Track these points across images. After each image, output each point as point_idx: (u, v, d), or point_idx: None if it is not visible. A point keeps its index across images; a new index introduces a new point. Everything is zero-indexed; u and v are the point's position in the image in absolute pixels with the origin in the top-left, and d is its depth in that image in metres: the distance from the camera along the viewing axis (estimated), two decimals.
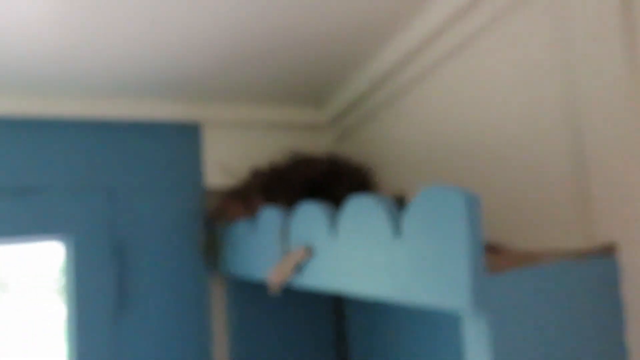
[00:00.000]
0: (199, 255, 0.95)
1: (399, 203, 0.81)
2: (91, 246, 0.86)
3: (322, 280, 0.54)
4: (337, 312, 1.03)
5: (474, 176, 0.66)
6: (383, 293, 0.44)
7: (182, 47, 0.72)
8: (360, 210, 0.48)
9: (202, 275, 0.95)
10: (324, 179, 0.82)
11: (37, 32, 0.65)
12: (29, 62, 0.73)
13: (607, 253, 0.46)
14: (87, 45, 0.69)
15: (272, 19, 0.66)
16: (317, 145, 1.07)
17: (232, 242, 0.83)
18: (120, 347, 0.86)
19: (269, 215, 0.67)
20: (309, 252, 0.57)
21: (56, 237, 0.86)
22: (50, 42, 0.67)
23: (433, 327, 0.74)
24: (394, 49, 0.76)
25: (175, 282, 0.93)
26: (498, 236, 0.61)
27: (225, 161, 0.98)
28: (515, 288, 0.39)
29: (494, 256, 0.40)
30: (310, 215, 0.57)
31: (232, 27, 0.67)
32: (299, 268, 0.59)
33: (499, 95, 0.60)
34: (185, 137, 0.96)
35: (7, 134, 0.84)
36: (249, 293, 0.97)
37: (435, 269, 0.39)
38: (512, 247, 0.59)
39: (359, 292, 0.48)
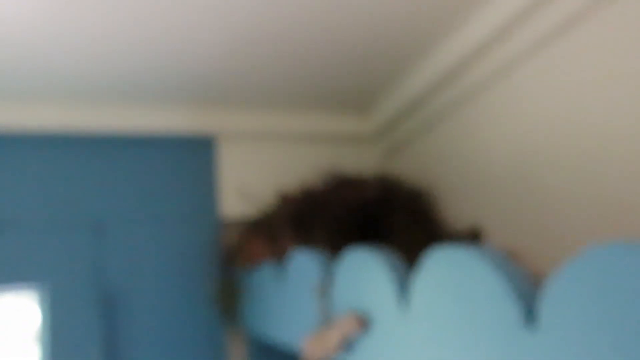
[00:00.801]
0: (212, 306, 0.93)
1: (474, 241, 0.77)
2: (72, 297, 0.84)
3: None
4: None
5: (584, 202, 0.61)
6: None
7: (191, 41, 0.72)
8: (453, 270, 0.40)
9: (216, 333, 0.92)
10: (373, 209, 0.77)
11: (4, 19, 0.62)
12: None
13: None
14: (67, 38, 0.67)
15: (305, 4, 0.66)
16: (361, 162, 1.06)
17: (254, 291, 0.81)
18: None
19: (303, 262, 0.64)
20: (363, 323, 0.51)
21: (28, 286, 0.83)
22: (26, 34, 0.65)
23: None
24: (459, 45, 0.76)
25: (180, 341, 0.90)
26: None
27: (245, 184, 0.97)
28: None
29: None
30: (364, 268, 0.51)
31: (254, 14, 0.67)
32: (347, 343, 0.53)
33: (603, 96, 0.59)
34: (195, 153, 0.95)
35: None
36: (276, 358, 0.92)
37: None
38: None
39: None
